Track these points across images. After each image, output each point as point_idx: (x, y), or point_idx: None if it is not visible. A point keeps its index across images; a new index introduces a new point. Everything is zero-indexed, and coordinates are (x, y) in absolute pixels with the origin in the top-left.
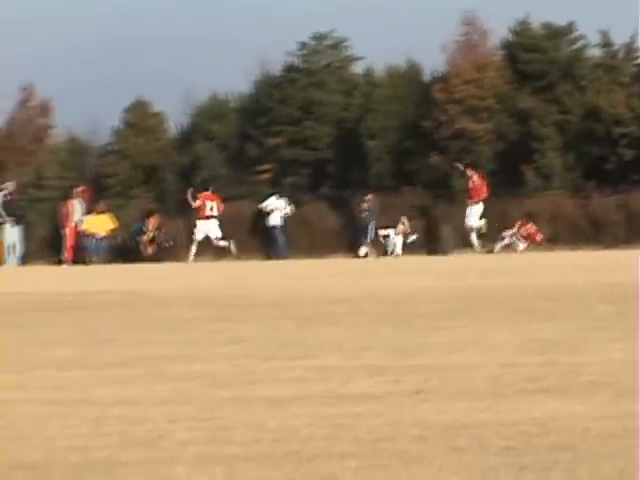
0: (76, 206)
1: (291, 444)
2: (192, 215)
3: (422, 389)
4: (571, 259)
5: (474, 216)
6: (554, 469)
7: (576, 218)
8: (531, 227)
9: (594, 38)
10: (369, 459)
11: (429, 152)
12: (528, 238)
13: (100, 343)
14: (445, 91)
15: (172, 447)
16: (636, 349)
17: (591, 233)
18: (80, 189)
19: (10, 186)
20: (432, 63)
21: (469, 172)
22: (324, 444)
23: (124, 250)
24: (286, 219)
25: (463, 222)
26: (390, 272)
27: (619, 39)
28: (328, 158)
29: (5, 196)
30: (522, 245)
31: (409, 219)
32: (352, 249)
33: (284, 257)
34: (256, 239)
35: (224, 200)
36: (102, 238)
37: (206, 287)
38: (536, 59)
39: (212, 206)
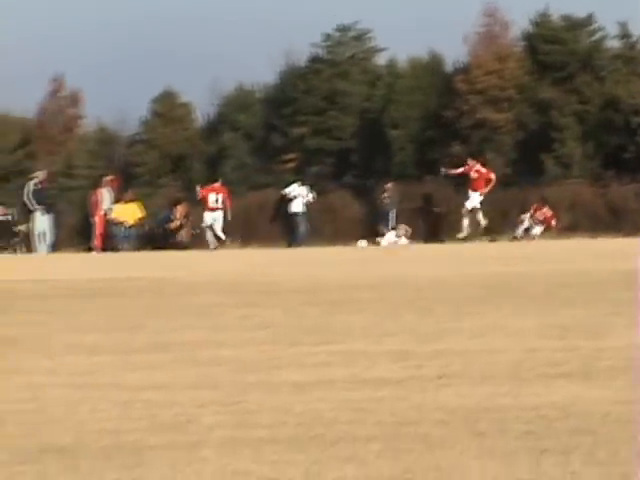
0: (105, 195)
1: (316, 428)
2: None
3: (444, 374)
4: (590, 246)
5: (472, 201)
6: (574, 453)
7: (595, 206)
8: (547, 211)
9: (613, 30)
10: (392, 442)
11: (451, 141)
12: (544, 222)
13: (129, 329)
14: (467, 82)
15: (200, 431)
16: None
17: (610, 221)
18: (109, 178)
19: (41, 175)
20: (454, 54)
21: (470, 162)
22: (348, 428)
23: (152, 238)
24: (309, 207)
25: (482, 210)
26: (413, 259)
27: (637, 30)
28: (352, 147)
29: (36, 185)
30: (538, 229)
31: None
32: (374, 236)
33: (301, 245)
34: (278, 226)
35: (251, 188)
36: (130, 226)
37: (233, 274)
38: (556, 50)
39: (217, 198)
